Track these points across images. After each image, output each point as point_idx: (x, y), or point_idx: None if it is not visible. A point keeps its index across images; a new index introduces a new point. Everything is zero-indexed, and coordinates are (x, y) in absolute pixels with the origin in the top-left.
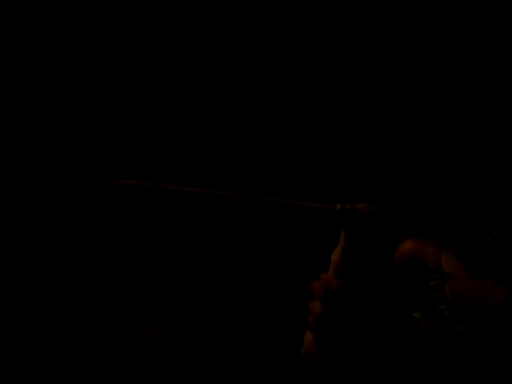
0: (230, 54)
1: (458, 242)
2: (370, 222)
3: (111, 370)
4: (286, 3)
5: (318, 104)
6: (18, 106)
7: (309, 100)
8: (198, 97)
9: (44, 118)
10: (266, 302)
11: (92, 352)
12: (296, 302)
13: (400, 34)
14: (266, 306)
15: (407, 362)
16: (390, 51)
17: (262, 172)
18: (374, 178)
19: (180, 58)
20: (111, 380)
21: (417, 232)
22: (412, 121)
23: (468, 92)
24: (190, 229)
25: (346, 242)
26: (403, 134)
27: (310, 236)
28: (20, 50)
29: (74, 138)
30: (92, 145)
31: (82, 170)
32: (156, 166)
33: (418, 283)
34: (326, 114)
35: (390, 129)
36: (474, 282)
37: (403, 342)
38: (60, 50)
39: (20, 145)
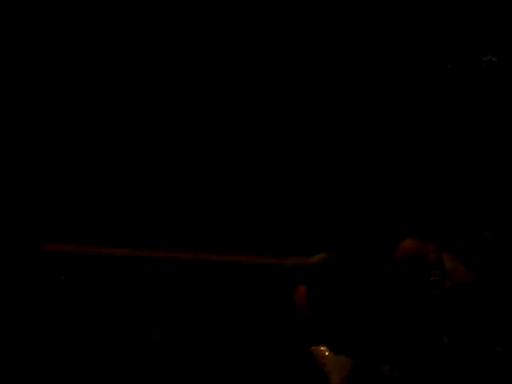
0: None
1: (458, 239)
2: (326, 270)
3: (111, 370)
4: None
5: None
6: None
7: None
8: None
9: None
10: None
11: (92, 352)
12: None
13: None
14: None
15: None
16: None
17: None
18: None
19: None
20: (111, 380)
21: (417, 232)
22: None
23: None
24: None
25: (307, 294)
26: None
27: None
28: (21, 50)
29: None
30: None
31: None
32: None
33: (418, 280)
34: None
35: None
36: (475, 280)
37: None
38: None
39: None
